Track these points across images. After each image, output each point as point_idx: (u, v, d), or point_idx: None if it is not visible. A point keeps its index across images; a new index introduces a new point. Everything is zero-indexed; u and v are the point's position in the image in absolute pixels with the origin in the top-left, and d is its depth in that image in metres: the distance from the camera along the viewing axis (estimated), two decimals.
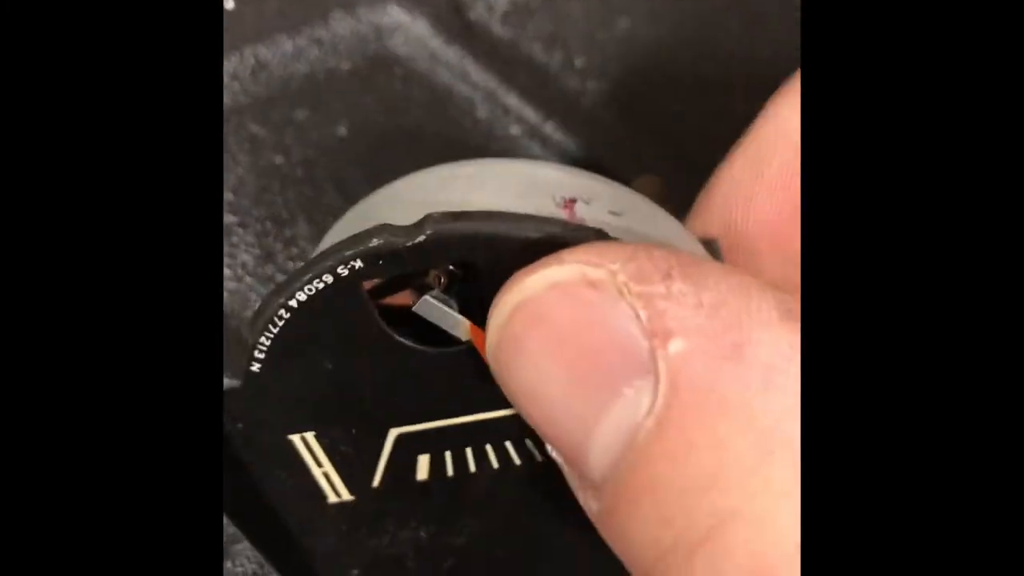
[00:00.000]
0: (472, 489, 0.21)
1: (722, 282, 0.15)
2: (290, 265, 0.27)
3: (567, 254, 0.15)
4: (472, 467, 0.20)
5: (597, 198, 0.19)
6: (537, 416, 0.16)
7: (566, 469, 0.16)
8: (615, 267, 0.15)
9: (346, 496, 0.21)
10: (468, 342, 0.19)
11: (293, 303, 0.19)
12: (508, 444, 0.20)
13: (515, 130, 0.30)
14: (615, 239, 0.17)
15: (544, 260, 0.15)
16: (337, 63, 0.30)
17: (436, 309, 0.19)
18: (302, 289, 0.18)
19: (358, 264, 0.18)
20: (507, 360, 0.16)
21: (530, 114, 0.30)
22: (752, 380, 0.14)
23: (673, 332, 0.14)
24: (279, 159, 0.29)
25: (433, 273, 0.19)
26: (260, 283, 0.27)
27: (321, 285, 0.18)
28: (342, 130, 0.29)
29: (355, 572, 0.22)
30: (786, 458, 0.14)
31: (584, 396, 0.15)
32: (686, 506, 0.14)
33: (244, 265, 0.27)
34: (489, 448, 0.20)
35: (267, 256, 0.27)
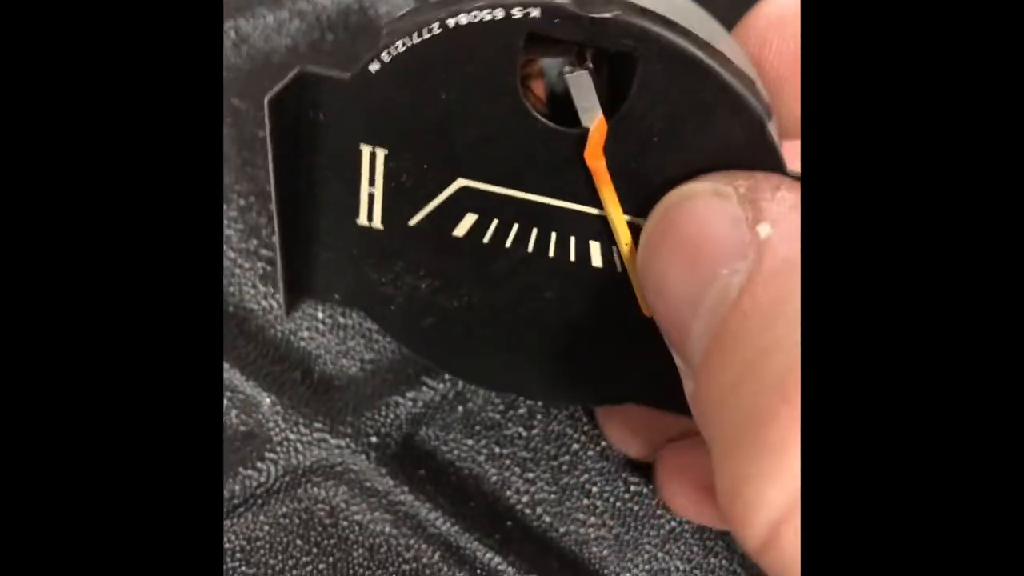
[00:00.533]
0: (497, 263, 0.21)
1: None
2: (275, 240, 0.27)
3: (705, 177, 0.19)
4: (508, 243, 0.21)
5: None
6: (661, 307, 0.19)
7: (677, 360, 0.19)
8: (739, 183, 0.18)
9: (376, 224, 0.21)
10: (585, 130, 0.19)
11: (451, 23, 0.18)
12: (553, 236, 0.20)
13: None
14: (760, 91, 0.19)
15: (687, 183, 0.19)
16: (320, 35, 0.30)
17: (586, 87, 0.19)
18: (468, 12, 0.18)
19: (534, 12, 0.18)
20: (649, 256, 0.19)
21: None
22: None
23: (766, 221, 0.17)
24: (262, 133, 0.28)
25: (590, 53, 0.19)
26: (243, 258, 0.27)
27: (488, 17, 0.18)
28: None
29: (337, 296, 0.23)
30: None
31: (694, 278, 0.18)
32: (755, 369, 0.16)
33: (227, 239, 0.27)
34: (534, 233, 0.20)
35: (251, 231, 0.27)
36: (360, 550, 0.25)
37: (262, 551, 0.25)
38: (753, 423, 0.16)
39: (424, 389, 0.26)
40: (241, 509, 0.25)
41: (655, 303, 0.19)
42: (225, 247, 0.27)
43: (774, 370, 0.16)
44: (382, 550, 0.25)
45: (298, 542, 0.25)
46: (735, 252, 0.17)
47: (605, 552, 0.26)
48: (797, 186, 0.18)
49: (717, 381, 0.17)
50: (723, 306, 0.17)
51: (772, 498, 0.15)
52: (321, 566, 0.25)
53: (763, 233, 0.17)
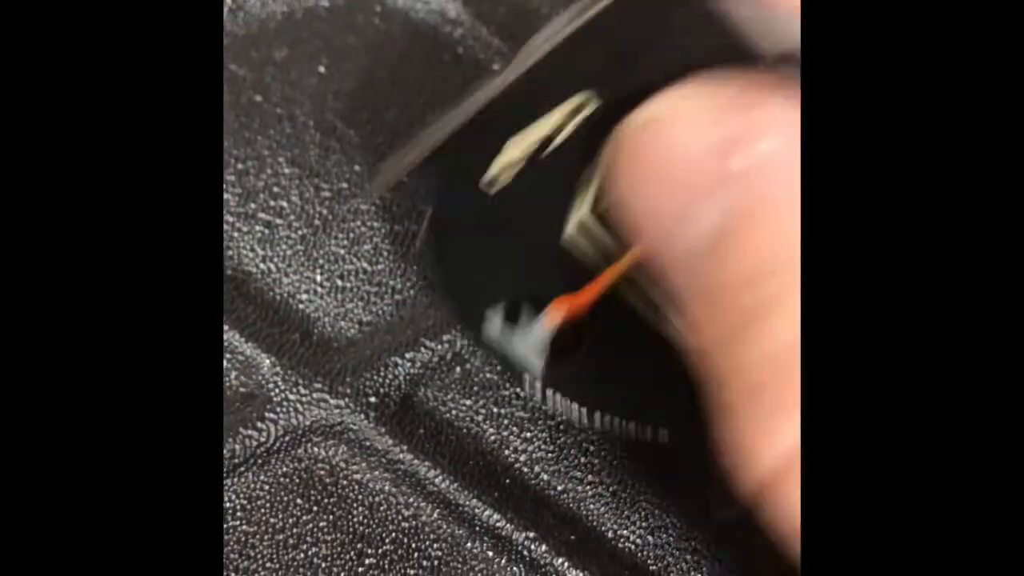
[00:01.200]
0: None
1: (793, 115, 0.16)
2: (272, 203, 0.27)
3: (673, 92, 0.17)
4: None
5: None
6: (635, 228, 0.18)
7: (660, 275, 0.18)
8: (706, 98, 0.17)
9: None
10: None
11: None
12: None
13: (497, 66, 0.30)
14: None
15: (650, 101, 0.17)
16: (316, 2, 0.30)
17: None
18: None
19: None
20: (617, 181, 0.18)
21: (510, 52, 0.30)
22: (794, 195, 0.15)
23: (740, 150, 0.16)
24: (259, 98, 0.28)
25: None
26: (241, 221, 0.27)
27: None
28: (321, 68, 0.29)
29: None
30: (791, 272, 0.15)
31: (670, 209, 0.17)
32: (734, 298, 0.16)
33: (225, 203, 0.27)
34: None
35: (248, 195, 0.27)
36: (360, 508, 0.25)
37: (262, 510, 0.25)
38: (748, 389, 0.15)
39: (422, 350, 0.26)
40: (241, 468, 0.25)
41: (630, 222, 0.18)
42: (223, 211, 0.27)
43: (770, 338, 0.15)
44: (381, 508, 0.25)
45: (298, 501, 0.25)
46: (712, 181, 0.16)
47: (602, 509, 0.26)
48: (775, 100, 0.16)
49: (708, 332, 0.16)
50: (707, 237, 0.16)
51: (769, 453, 0.15)
52: (321, 524, 0.25)
53: (738, 164, 0.16)
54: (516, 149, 0.20)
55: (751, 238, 0.15)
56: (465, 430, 0.26)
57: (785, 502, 0.15)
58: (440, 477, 0.25)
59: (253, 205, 0.27)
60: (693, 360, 0.17)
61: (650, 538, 0.26)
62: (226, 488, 0.25)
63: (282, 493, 0.25)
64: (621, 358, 0.20)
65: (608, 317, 0.20)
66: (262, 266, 0.27)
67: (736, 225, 0.16)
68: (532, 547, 0.25)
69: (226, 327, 0.26)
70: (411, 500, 0.25)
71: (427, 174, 0.20)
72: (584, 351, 0.21)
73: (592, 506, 0.26)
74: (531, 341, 0.21)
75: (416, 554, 0.25)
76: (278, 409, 0.25)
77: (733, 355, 0.16)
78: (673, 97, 0.17)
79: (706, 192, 0.16)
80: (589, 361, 0.21)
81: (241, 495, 0.25)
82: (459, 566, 0.25)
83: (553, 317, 0.20)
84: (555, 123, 0.19)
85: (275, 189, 0.28)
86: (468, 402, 0.26)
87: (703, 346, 0.17)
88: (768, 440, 0.15)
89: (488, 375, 0.27)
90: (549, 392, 0.22)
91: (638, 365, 0.20)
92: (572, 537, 0.25)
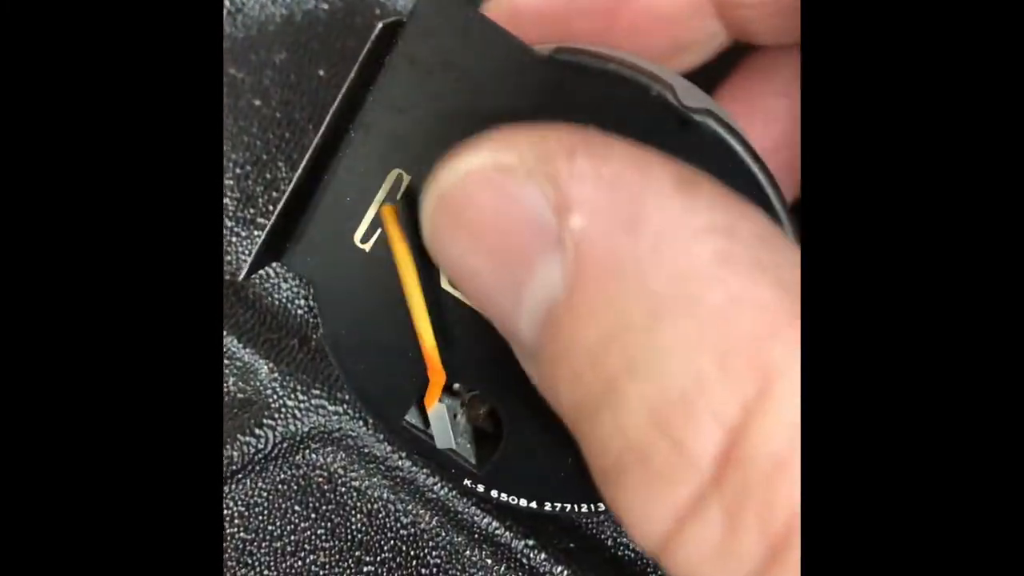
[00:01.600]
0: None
1: (623, 157, 0.15)
2: (271, 208, 0.27)
3: (480, 140, 0.16)
4: None
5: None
6: (471, 294, 0.17)
7: (509, 339, 0.17)
8: (524, 149, 0.15)
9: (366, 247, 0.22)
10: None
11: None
12: None
13: None
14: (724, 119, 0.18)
15: (458, 149, 0.16)
16: (315, 4, 0.30)
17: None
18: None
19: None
20: (438, 249, 0.17)
21: None
22: (643, 248, 0.15)
23: (575, 208, 0.15)
24: (258, 102, 0.28)
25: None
26: (240, 226, 0.27)
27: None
28: (321, 72, 0.29)
29: (308, 269, 0.22)
30: (675, 318, 0.14)
31: (506, 275, 0.16)
32: (592, 364, 0.15)
33: (224, 208, 0.27)
34: None
35: (247, 199, 0.27)
36: (358, 515, 0.25)
37: (261, 517, 0.25)
38: (621, 459, 0.15)
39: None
40: (240, 475, 0.25)
41: (462, 290, 0.17)
42: (222, 215, 0.27)
43: (639, 403, 0.15)
44: (380, 515, 0.25)
45: (296, 507, 0.25)
46: (546, 243, 0.15)
47: (601, 517, 0.26)
48: (592, 144, 0.15)
49: (561, 375, 0.16)
50: (550, 302, 0.15)
51: (655, 521, 0.15)
52: (320, 531, 0.25)
53: (576, 224, 0.15)
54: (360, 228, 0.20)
55: (605, 295, 0.15)
56: None
57: (676, 562, 0.15)
58: (439, 484, 0.25)
59: (252, 210, 0.27)
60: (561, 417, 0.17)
61: None
62: (224, 495, 0.25)
63: (280, 500, 0.25)
64: (539, 436, 0.20)
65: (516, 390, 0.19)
66: (261, 271, 0.27)
67: (588, 282, 0.15)
68: (531, 555, 0.25)
69: (224, 333, 0.26)
70: (410, 507, 0.25)
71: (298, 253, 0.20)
72: (505, 438, 0.21)
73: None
74: (443, 421, 0.21)
75: (415, 561, 0.25)
76: (276, 415, 0.25)
77: (602, 422, 0.15)
78: (486, 147, 0.16)
79: (548, 247, 0.15)
80: (512, 448, 0.21)
81: (239, 502, 0.25)
82: (458, 574, 0.25)
83: (432, 391, 0.20)
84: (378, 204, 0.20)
85: (274, 193, 0.27)
86: None
87: (568, 410, 0.16)
88: (650, 510, 0.15)
89: None
90: (484, 489, 0.22)
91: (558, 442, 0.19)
92: (571, 545, 0.25)
